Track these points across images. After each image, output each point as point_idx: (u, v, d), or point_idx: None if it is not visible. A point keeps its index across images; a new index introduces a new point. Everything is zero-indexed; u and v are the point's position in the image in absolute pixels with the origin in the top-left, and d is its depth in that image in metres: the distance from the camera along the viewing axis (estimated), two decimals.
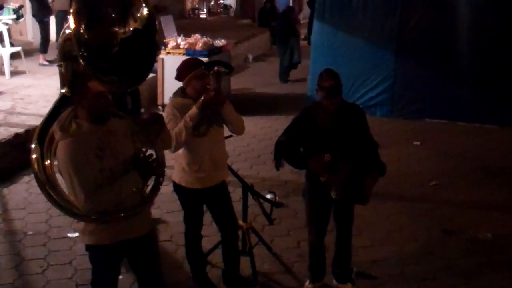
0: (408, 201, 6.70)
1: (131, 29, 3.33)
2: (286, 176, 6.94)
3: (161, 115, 3.77)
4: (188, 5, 21.48)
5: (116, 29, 3.29)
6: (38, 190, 6.72)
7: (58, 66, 3.57)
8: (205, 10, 21.08)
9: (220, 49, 10.58)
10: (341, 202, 4.55)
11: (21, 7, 12.57)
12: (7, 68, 10.60)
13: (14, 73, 10.79)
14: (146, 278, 3.83)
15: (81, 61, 3.17)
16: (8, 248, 5.58)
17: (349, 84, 10.30)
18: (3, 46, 10.85)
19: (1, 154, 7.23)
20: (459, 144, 8.76)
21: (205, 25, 17.02)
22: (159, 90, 10.15)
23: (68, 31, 3.39)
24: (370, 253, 5.55)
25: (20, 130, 7.66)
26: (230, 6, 22.58)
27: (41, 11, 11.77)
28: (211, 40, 10.60)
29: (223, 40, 11.03)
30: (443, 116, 9.87)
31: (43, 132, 3.51)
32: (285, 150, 4.59)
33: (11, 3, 12.68)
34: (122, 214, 3.43)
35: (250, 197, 5.36)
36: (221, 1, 22.57)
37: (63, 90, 3.57)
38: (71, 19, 3.13)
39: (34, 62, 11.76)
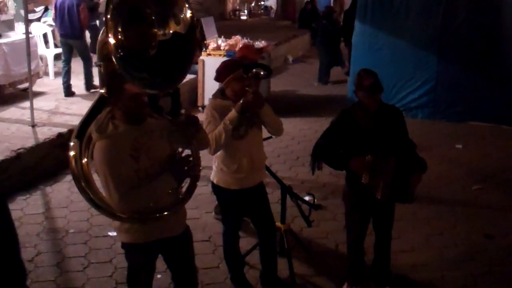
0: (449, 205, 6.59)
1: (171, 31, 3.30)
2: (324, 179, 6.92)
3: (196, 117, 3.77)
4: (229, 6, 21.59)
5: (155, 30, 3.28)
6: None
7: (97, 66, 3.60)
8: (245, 11, 21.16)
9: (260, 51, 10.59)
10: (383, 204, 4.50)
11: None
12: (51, 69, 10.82)
13: (57, 74, 10.99)
14: (180, 277, 3.87)
15: (114, 61, 3.16)
16: (50, 245, 5.69)
17: (390, 86, 10.21)
18: (47, 47, 11.07)
19: (45, 153, 7.37)
20: (503, 148, 8.58)
21: (245, 26, 17.08)
22: (199, 91, 10.22)
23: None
24: (409, 257, 5.48)
25: (63, 130, 7.80)
26: (271, 8, 22.62)
27: (89, 15, 11.97)
28: (251, 41, 10.63)
29: (263, 42, 11.05)
30: (486, 118, 9.69)
31: (81, 131, 3.54)
32: (325, 152, 4.57)
33: None
34: (156, 215, 3.45)
35: (288, 199, 5.35)
36: (262, 3, 22.62)
37: (102, 91, 3.60)
38: (107, 18, 3.11)
39: (77, 63, 11.94)
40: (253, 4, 21.67)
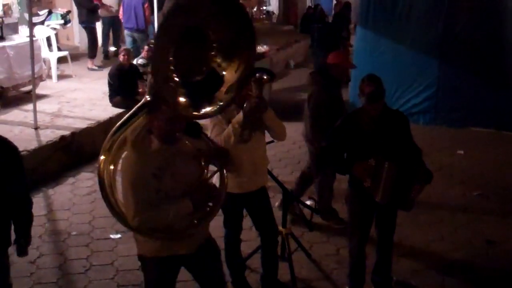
0: (450, 211, 6.61)
1: (227, 65, 3.23)
2: None
3: (227, 151, 3.88)
4: None
5: (215, 58, 3.21)
6: (82, 192, 6.95)
7: (144, 65, 3.60)
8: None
9: (262, 55, 10.62)
10: (384, 208, 4.52)
11: (68, 12, 12.85)
12: (54, 72, 10.85)
13: (61, 77, 11.03)
14: None
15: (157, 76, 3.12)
16: (52, 247, 5.72)
17: (392, 91, 10.23)
18: (51, 50, 11.10)
19: (47, 156, 7.40)
20: (504, 154, 8.58)
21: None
22: None
23: None
24: (410, 262, 5.49)
25: (66, 132, 7.83)
26: (273, 12, 22.62)
27: (89, 17, 12.02)
28: None
29: (265, 46, 11.07)
30: (487, 124, 9.70)
31: (115, 135, 3.51)
32: (328, 156, 4.59)
33: (59, 9, 12.96)
34: (169, 235, 3.44)
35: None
36: (264, 7, 22.62)
37: (149, 98, 3.51)
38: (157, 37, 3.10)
39: (80, 66, 12.01)
40: (255, 9, 21.66)
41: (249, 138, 4.41)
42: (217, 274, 3.87)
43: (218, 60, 3.24)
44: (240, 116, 4.25)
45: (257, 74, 4.29)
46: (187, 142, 3.60)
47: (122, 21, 12.33)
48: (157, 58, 3.21)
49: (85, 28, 12.32)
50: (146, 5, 11.93)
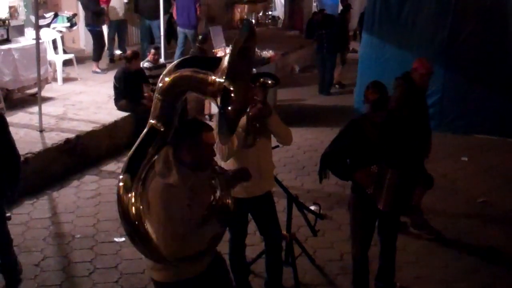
0: (454, 217, 6.60)
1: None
2: (330, 188, 6.94)
3: (248, 171, 3.85)
4: (237, 15, 21.65)
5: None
6: (87, 195, 6.97)
7: (155, 98, 3.40)
8: (253, 21, 21.18)
9: (267, 60, 10.63)
10: (387, 214, 4.53)
11: (74, 15, 12.88)
12: (59, 75, 10.87)
13: (66, 80, 11.06)
14: None
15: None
16: (56, 250, 5.73)
17: None
18: (57, 53, 11.13)
19: (52, 159, 7.41)
20: (508, 161, 8.58)
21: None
22: (206, 100, 10.24)
23: (186, 73, 3.28)
24: (414, 268, 5.49)
25: (71, 135, 7.84)
26: (278, 17, 22.64)
27: (94, 20, 12.05)
28: (258, 51, 10.66)
29: (270, 51, 11.08)
30: (491, 131, 9.69)
31: (131, 166, 3.38)
32: (332, 162, 4.60)
33: (65, 11, 13.00)
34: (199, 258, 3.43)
35: (294, 208, 5.37)
36: (270, 12, 22.65)
37: (153, 122, 3.38)
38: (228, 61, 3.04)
39: (85, 69, 12.03)
40: (260, 14, 21.69)
41: (253, 143, 4.42)
42: (226, 281, 3.87)
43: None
44: (243, 120, 4.26)
45: (261, 79, 4.30)
46: None
47: (175, 18, 13.05)
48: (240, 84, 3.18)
49: (90, 31, 12.34)
50: (198, 3, 12.63)
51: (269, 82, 4.33)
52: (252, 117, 4.30)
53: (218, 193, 3.55)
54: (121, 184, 3.36)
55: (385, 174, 4.32)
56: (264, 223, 4.77)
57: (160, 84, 3.33)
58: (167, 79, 3.30)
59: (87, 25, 12.35)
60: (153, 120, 3.39)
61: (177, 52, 12.69)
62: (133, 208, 3.31)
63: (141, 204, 3.29)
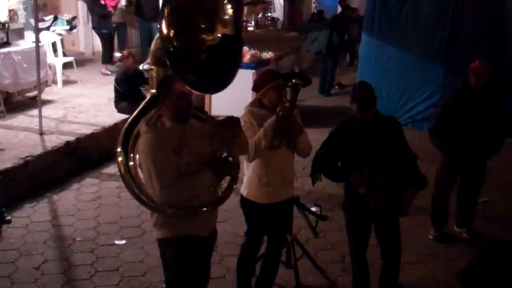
0: (456, 217, 6.57)
1: (219, 35, 3.43)
2: (331, 190, 6.92)
3: (238, 119, 3.88)
4: None
5: (204, 36, 3.42)
6: (87, 197, 6.96)
7: (149, 70, 3.84)
8: (252, 22, 21.17)
9: (267, 61, 10.62)
10: (381, 215, 4.52)
11: (74, 18, 12.90)
12: (59, 78, 10.86)
13: (66, 83, 11.06)
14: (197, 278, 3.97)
15: (168, 64, 3.41)
16: (57, 253, 5.71)
17: (396, 97, 10.23)
18: (56, 56, 11.13)
19: (52, 162, 7.41)
20: (509, 161, 8.55)
21: (252, 37, 17.09)
22: (206, 100, 10.26)
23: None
24: (416, 269, 5.48)
25: (71, 138, 7.84)
26: (278, 19, 22.63)
27: (100, 23, 12.07)
28: (258, 52, 10.66)
29: (270, 53, 11.07)
30: None
31: (128, 132, 3.69)
32: (323, 164, 4.60)
33: (65, 14, 13.01)
34: (195, 211, 3.59)
35: (295, 209, 5.36)
36: (269, 14, 22.64)
37: (153, 91, 3.79)
38: (162, 26, 3.30)
39: (85, 72, 12.03)
40: (260, 15, 21.69)
41: (279, 145, 4.36)
42: (208, 262, 4.11)
43: (209, 38, 3.43)
44: (272, 119, 4.23)
45: (293, 80, 4.25)
46: (195, 122, 3.75)
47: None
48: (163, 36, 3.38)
49: (98, 33, 12.39)
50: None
51: (300, 82, 4.28)
52: (280, 116, 4.23)
53: (217, 147, 3.73)
54: (119, 156, 3.62)
55: (377, 173, 4.33)
56: (276, 228, 4.71)
57: (151, 55, 3.77)
58: (153, 47, 3.74)
59: (93, 28, 12.41)
60: (153, 89, 3.78)
61: None
62: (127, 171, 3.58)
63: (135, 167, 3.62)
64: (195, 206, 3.58)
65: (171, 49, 3.30)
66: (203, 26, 3.43)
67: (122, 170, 3.58)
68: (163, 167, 3.49)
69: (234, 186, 3.77)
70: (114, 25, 12.57)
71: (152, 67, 3.81)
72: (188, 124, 3.67)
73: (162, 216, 3.67)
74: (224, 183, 3.76)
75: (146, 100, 3.85)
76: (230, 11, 3.45)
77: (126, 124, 3.75)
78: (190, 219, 3.63)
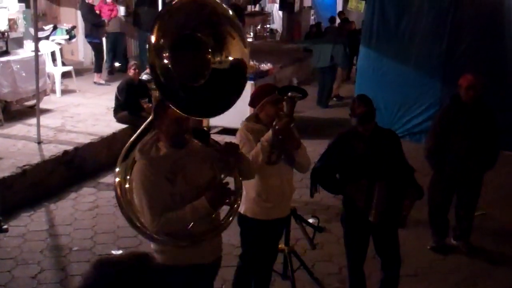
0: (453, 230, 6.58)
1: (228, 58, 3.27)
2: (328, 201, 6.93)
3: (236, 145, 3.74)
4: None
5: (210, 57, 3.22)
6: (84, 207, 6.94)
7: (149, 81, 3.71)
8: (251, 34, 21.24)
9: (266, 73, 10.66)
10: (379, 227, 4.52)
11: (73, 27, 12.94)
12: (58, 87, 10.88)
13: (64, 92, 11.07)
14: None
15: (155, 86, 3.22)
16: (53, 263, 5.70)
17: (394, 110, 10.26)
18: (55, 65, 11.15)
19: (50, 171, 7.40)
20: (506, 174, 8.56)
21: (251, 48, 17.18)
22: None
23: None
24: (413, 282, 5.47)
25: (69, 147, 7.84)
26: (276, 31, 22.73)
27: (93, 32, 12.11)
28: (257, 63, 10.69)
29: (269, 64, 11.11)
30: None
31: (127, 155, 3.59)
32: (321, 176, 4.61)
33: (64, 24, 13.05)
34: (190, 240, 3.41)
35: (292, 221, 5.35)
36: (268, 25, 22.72)
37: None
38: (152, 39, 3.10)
39: (84, 82, 12.05)
40: (258, 27, 21.77)
41: (277, 160, 4.29)
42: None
43: (217, 59, 3.25)
44: (269, 134, 4.16)
45: (289, 93, 4.22)
46: (196, 145, 3.57)
47: None
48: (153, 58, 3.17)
49: (90, 43, 12.40)
50: None
51: (297, 95, 4.25)
52: (277, 130, 4.15)
53: (218, 173, 3.57)
54: (116, 177, 3.56)
55: (374, 186, 4.33)
56: (274, 244, 4.69)
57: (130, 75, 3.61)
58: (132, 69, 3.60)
59: (86, 36, 12.42)
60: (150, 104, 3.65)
61: None
62: (121, 191, 3.52)
63: (131, 191, 3.50)
64: (189, 235, 3.40)
65: (164, 67, 3.12)
66: (210, 45, 3.21)
67: (118, 192, 3.52)
68: (155, 197, 3.32)
69: (235, 212, 3.63)
70: (106, 35, 12.62)
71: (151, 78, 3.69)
72: (186, 149, 3.48)
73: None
74: (225, 208, 3.59)
75: (145, 123, 3.70)
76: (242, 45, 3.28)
77: (126, 147, 3.62)
78: (189, 247, 3.47)
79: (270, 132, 4.16)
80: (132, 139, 3.66)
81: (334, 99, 13.56)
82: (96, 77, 12.11)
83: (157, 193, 3.32)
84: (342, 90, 13.74)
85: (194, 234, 3.40)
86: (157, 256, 3.54)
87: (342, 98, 13.50)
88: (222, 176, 3.55)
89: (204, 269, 3.59)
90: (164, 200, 3.32)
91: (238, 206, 3.68)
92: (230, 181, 3.61)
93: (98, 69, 12.22)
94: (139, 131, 3.69)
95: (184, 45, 3.20)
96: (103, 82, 11.99)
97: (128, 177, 3.54)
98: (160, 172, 3.34)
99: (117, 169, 3.58)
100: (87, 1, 12.17)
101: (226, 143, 3.68)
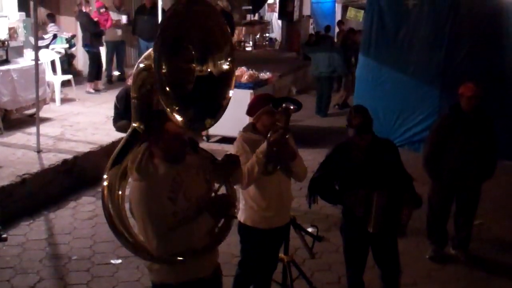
0: (451, 240, 6.57)
1: (208, 70, 3.28)
2: (327, 210, 6.93)
3: (237, 157, 3.71)
4: (234, 37, 21.78)
5: (194, 65, 3.24)
6: (84, 216, 6.94)
7: (132, 99, 3.47)
8: (251, 43, 21.30)
9: (265, 82, 10.70)
10: (379, 237, 4.53)
11: (73, 36, 12.98)
12: (57, 96, 10.90)
13: (64, 101, 11.09)
14: None
15: (158, 92, 3.11)
16: (52, 272, 5.69)
17: (393, 119, 10.28)
18: (55, 74, 11.17)
19: (49, 180, 7.40)
20: (504, 183, 8.57)
21: (250, 57, 17.20)
22: None
23: (145, 62, 3.38)
24: None
25: (69, 156, 7.85)
26: (276, 39, 22.81)
27: (92, 41, 12.14)
28: (256, 72, 10.73)
29: (268, 73, 11.14)
30: None
31: (114, 165, 3.46)
32: (319, 186, 4.62)
33: (64, 33, 13.08)
34: (191, 255, 3.33)
35: (291, 230, 5.35)
36: (267, 34, 22.80)
37: (135, 124, 3.48)
38: (154, 51, 3.09)
39: (83, 90, 12.08)
40: (258, 36, 21.84)
41: (273, 171, 4.32)
42: None
43: (198, 68, 3.27)
44: (264, 146, 4.18)
45: (283, 105, 4.22)
46: (189, 157, 3.46)
47: None
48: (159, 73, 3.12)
49: (88, 52, 12.42)
50: None
51: (292, 107, 4.25)
52: (272, 142, 4.17)
53: (215, 186, 3.51)
54: (105, 184, 3.43)
55: (373, 196, 4.34)
56: (273, 255, 4.70)
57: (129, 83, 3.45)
58: (133, 77, 3.46)
59: (84, 45, 12.44)
60: (134, 122, 3.48)
61: None
62: (111, 204, 3.43)
63: (123, 198, 3.43)
64: (192, 252, 3.32)
65: (162, 74, 3.08)
66: (194, 54, 3.25)
67: (106, 200, 3.45)
68: (159, 218, 3.21)
69: (232, 226, 3.57)
70: (104, 44, 12.66)
71: (135, 95, 3.48)
72: (183, 162, 3.38)
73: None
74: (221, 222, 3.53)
75: (129, 133, 3.53)
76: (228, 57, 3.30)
77: (111, 158, 3.50)
78: (188, 263, 3.38)
79: (264, 144, 4.18)
80: (117, 150, 3.50)
81: (336, 106, 13.61)
82: (88, 86, 12.15)
83: (162, 216, 3.22)
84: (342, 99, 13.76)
85: (196, 250, 3.33)
86: (153, 274, 3.48)
87: (349, 107, 13.54)
88: (217, 186, 3.51)
89: (206, 282, 3.51)
90: (168, 221, 3.22)
91: (235, 217, 3.70)
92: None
93: (90, 78, 12.24)
94: (123, 141, 3.52)
95: (174, 52, 3.20)
96: (92, 91, 12.03)
97: (119, 186, 3.45)
98: (163, 191, 3.25)
99: (104, 176, 3.46)
100: (84, 11, 12.20)
101: (227, 155, 3.64)
